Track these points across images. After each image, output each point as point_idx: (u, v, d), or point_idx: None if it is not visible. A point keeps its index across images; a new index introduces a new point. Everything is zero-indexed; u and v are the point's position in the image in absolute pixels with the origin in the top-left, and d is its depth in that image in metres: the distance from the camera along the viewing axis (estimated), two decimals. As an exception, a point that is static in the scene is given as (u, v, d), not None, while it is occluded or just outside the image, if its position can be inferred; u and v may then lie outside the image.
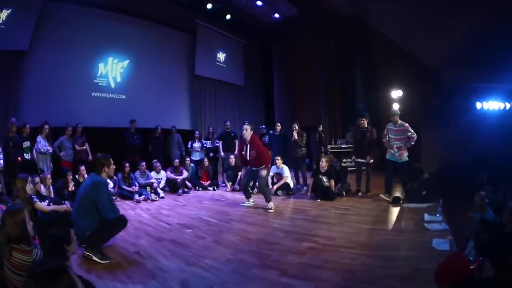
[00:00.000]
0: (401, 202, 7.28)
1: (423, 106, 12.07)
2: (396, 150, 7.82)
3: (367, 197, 8.24)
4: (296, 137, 9.17)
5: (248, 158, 7.47)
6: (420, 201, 7.03)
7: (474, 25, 9.85)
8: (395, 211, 6.80)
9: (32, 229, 2.87)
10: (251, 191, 9.01)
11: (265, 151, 7.67)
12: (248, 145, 7.42)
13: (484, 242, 2.87)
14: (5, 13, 9.02)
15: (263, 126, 11.92)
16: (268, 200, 7.31)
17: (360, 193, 8.61)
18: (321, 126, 11.02)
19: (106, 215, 4.39)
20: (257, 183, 8.56)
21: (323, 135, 10.75)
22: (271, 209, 7.13)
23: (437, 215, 5.80)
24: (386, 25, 13.01)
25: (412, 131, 7.68)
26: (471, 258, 2.96)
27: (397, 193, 7.89)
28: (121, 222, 4.67)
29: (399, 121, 7.84)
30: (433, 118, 11.81)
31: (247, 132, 7.37)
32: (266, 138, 10.84)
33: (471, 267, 2.61)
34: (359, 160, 8.71)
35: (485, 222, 4.17)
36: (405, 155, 7.78)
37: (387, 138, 8.05)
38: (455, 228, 5.19)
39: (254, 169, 7.53)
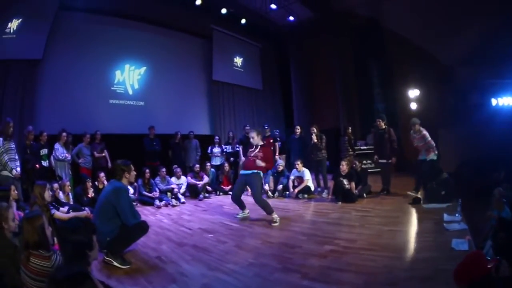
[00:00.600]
0: (421, 202, 7.23)
1: (440, 105, 11.94)
2: (425, 152, 7.92)
3: (387, 198, 8.20)
4: (315, 140, 9.11)
5: (251, 156, 6.66)
6: (439, 201, 6.95)
7: (488, 22, 9.77)
8: (415, 212, 6.75)
9: (51, 235, 2.90)
10: (272, 195, 9.07)
11: (270, 157, 7.02)
12: (258, 147, 6.75)
13: (501, 241, 2.83)
14: (15, 23, 9.20)
15: (277, 131, 11.90)
16: (269, 212, 6.51)
17: (385, 192, 8.64)
18: (350, 128, 10.88)
19: (127, 221, 4.43)
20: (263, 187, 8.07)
21: (352, 137, 10.64)
22: (275, 222, 6.34)
23: (456, 214, 5.72)
24: (400, 24, 12.90)
25: (429, 138, 7.83)
26: (489, 258, 2.93)
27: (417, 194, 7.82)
28: (142, 227, 4.70)
29: (419, 129, 7.96)
30: (450, 117, 11.66)
31: (255, 139, 6.76)
32: (279, 144, 10.82)
33: (489, 266, 2.58)
34: (381, 161, 8.73)
35: (502, 221, 4.11)
36: (431, 155, 7.80)
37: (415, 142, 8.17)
38: (474, 227, 5.12)
39: (245, 173, 6.73)
